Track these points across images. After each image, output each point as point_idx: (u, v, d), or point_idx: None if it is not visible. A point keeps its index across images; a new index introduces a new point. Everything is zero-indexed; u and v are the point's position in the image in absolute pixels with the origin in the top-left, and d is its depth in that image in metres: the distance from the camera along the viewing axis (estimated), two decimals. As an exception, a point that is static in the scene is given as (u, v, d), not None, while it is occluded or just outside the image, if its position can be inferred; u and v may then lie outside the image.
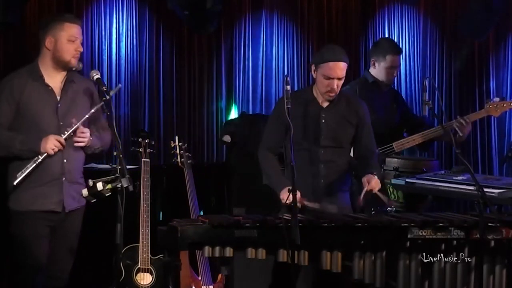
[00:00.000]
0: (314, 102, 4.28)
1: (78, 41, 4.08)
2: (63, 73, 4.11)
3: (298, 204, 4.01)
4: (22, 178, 3.94)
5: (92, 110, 4.04)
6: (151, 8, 6.45)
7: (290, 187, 3.98)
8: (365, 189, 4.09)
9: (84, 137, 4.05)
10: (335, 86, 4.18)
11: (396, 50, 5.32)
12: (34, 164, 3.94)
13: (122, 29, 6.33)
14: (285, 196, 3.97)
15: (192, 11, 6.30)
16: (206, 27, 6.43)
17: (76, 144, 4.06)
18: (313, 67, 4.28)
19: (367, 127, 4.39)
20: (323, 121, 4.25)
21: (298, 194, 4.04)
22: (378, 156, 5.12)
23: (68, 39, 4.04)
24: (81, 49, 4.11)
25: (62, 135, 3.98)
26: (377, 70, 5.28)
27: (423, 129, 5.24)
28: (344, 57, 4.22)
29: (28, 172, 3.94)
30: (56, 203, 4.05)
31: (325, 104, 4.28)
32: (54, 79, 4.08)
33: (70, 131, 3.99)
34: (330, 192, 4.25)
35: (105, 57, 6.28)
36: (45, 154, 3.94)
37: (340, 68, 4.17)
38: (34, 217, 4.01)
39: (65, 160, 4.03)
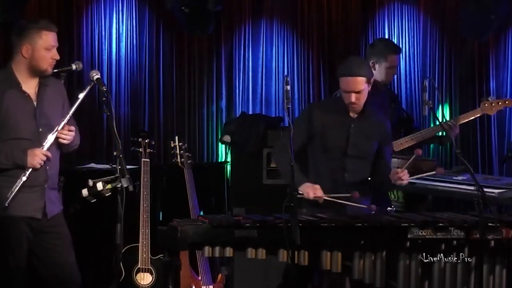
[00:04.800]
0: (345, 112, 4.29)
1: (54, 49, 4.00)
2: (37, 78, 4.08)
3: (320, 200, 4.03)
4: (12, 196, 3.92)
5: (70, 114, 4.01)
6: (151, 8, 6.45)
7: (311, 183, 4.03)
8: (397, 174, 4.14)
9: (71, 134, 4.03)
10: (353, 99, 4.17)
11: (396, 49, 5.33)
12: (22, 181, 3.92)
13: (122, 29, 6.34)
14: (309, 189, 4.01)
15: (193, 10, 6.30)
16: (205, 28, 6.43)
17: (62, 141, 4.03)
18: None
19: (390, 145, 4.45)
20: (352, 131, 4.26)
21: (320, 190, 4.04)
22: None
23: (45, 47, 3.96)
24: (58, 57, 4.03)
25: (44, 144, 3.95)
26: (377, 71, 5.28)
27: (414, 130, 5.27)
28: (359, 71, 4.18)
29: (16, 185, 3.92)
30: (37, 210, 4.00)
31: (355, 115, 4.30)
32: (30, 85, 4.03)
33: (51, 139, 3.97)
34: (352, 201, 4.23)
35: (105, 57, 6.29)
36: (31, 169, 3.93)
37: (357, 82, 4.15)
38: (15, 221, 3.98)
39: (47, 167, 4.02)
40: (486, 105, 5.16)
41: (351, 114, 4.29)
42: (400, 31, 6.84)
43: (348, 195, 4.05)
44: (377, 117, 4.40)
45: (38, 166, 3.93)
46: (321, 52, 6.75)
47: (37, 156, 3.92)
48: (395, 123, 5.38)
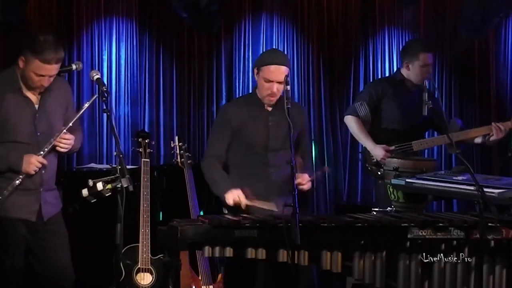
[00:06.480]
0: (260, 106, 4.30)
1: (46, 78, 3.92)
2: None
3: (242, 206, 4.07)
4: (3, 199, 3.92)
5: (70, 124, 4.01)
6: (151, 8, 6.45)
7: (235, 189, 4.09)
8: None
9: (68, 143, 4.03)
10: (275, 90, 4.19)
11: (427, 47, 5.39)
12: (16, 185, 3.93)
13: (122, 30, 6.33)
14: (231, 197, 4.07)
15: (190, 13, 6.31)
16: (207, 26, 6.44)
17: (59, 150, 4.03)
18: (255, 71, 4.29)
19: (307, 132, 4.50)
20: (270, 124, 4.26)
21: (242, 195, 4.10)
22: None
23: (35, 73, 3.91)
24: (46, 85, 3.95)
25: (42, 152, 3.94)
26: (411, 71, 5.34)
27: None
28: (286, 62, 4.24)
29: (9, 191, 3.92)
30: (31, 212, 4.02)
31: (271, 108, 4.30)
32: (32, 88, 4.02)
33: (50, 146, 3.97)
34: (280, 195, 4.22)
35: (105, 57, 6.28)
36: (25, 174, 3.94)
37: (281, 71, 4.17)
38: (12, 222, 3.99)
39: (43, 172, 4.02)
40: None
41: (267, 107, 4.27)
42: (400, 31, 6.84)
43: (278, 209, 4.01)
44: (294, 106, 4.38)
45: (33, 172, 3.94)
46: (321, 52, 6.75)
47: (32, 164, 3.92)
48: (419, 124, 5.38)
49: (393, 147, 5.25)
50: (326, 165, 4.30)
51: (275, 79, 4.17)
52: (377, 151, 5.26)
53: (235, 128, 4.25)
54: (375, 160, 5.31)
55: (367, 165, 5.42)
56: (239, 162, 4.29)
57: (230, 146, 4.29)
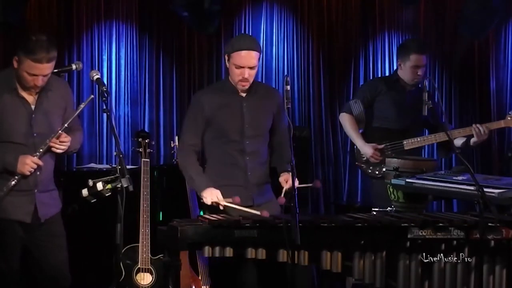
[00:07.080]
0: (234, 92, 4.27)
1: (39, 77, 3.90)
2: None
3: (220, 207, 4.03)
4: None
5: (65, 125, 4.00)
6: (151, 9, 6.45)
7: (212, 187, 4.05)
8: (284, 188, 4.11)
9: (65, 145, 4.03)
10: (247, 75, 4.16)
11: (419, 49, 5.36)
12: (11, 186, 3.92)
13: (122, 30, 6.33)
14: (209, 197, 4.03)
15: (191, 12, 6.31)
16: (207, 27, 6.44)
17: (56, 151, 4.03)
18: (226, 57, 4.26)
19: (284, 114, 4.30)
20: (245, 110, 4.24)
21: (220, 195, 4.05)
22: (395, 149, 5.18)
23: (27, 72, 3.89)
24: (39, 84, 3.94)
25: (37, 153, 3.94)
26: (403, 71, 5.35)
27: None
28: (255, 46, 4.21)
29: (4, 191, 3.92)
30: (26, 214, 4.01)
31: (244, 94, 4.27)
32: (29, 90, 4.01)
33: (45, 148, 3.97)
34: (257, 184, 4.26)
35: (105, 57, 6.28)
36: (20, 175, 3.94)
37: (252, 56, 4.15)
38: (9, 223, 3.99)
39: (38, 173, 4.02)
40: (510, 118, 5.21)
41: (240, 93, 4.26)
42: (400, 31, 6.85)
43: (258, 212, 3.93)
44: (265, 89, 4.41)
45: (28, 173, 3.94)
46: (321, 51, 6.76)
47: (27, 165, 3.92)
48: (414, 124, 5.39)
49: (382, 146, 5.28)
50: (320, 179, 4.28)
51: (246, 64, 4.14)
52: (366, 149, 5.31)
53: (208, 115, 4.21)
54: (365, 158, 5.35)
55: (357, 163, 5.46)
56: (216, 151, 4.25)
57: (205, 136, 4.26)
